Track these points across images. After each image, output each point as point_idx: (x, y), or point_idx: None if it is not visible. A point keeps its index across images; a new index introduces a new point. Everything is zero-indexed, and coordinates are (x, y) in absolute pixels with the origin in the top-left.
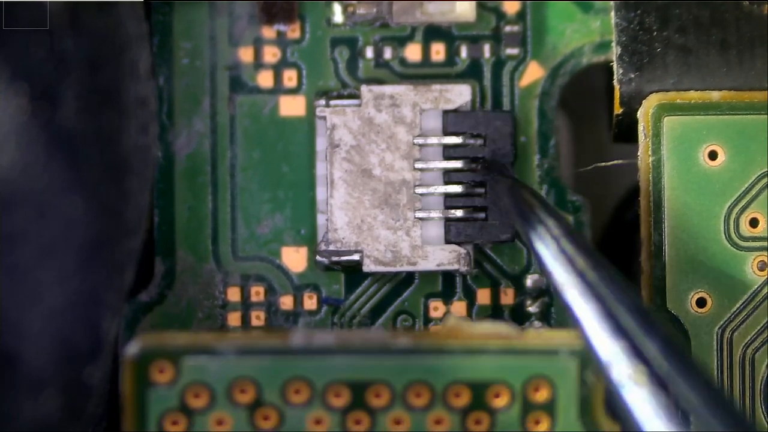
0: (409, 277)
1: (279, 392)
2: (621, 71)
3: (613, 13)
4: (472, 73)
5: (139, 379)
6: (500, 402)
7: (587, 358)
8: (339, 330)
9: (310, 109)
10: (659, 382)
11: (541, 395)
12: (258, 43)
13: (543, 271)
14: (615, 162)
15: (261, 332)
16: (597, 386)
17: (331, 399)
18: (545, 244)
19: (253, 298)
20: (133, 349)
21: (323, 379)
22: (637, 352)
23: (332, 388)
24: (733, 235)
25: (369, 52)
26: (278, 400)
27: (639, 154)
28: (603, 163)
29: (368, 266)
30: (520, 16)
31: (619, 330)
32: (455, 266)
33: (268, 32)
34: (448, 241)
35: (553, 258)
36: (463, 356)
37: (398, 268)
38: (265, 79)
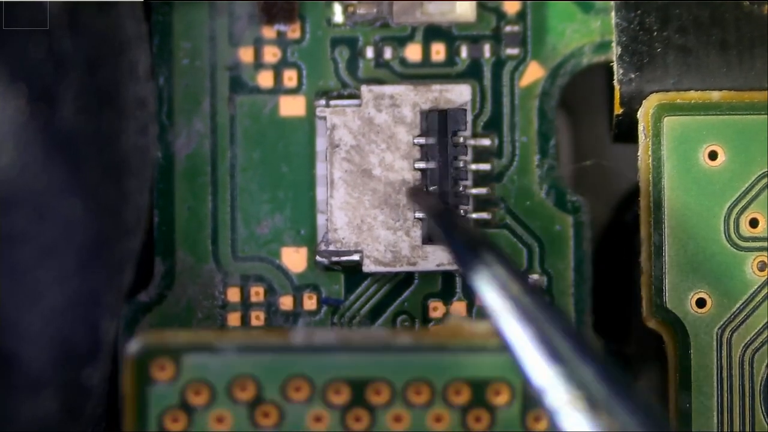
0: (409, 277)
1: (279, 390)
2: (621, 71)
3: (613, 13)
4: (472, 73)
5: (139, 376)
6: (500, 400)
7: None
8: (339, 329)
9: (310, 109)
10: (597, 408)
11: None
12: (258, 43)
13: (477, 297)
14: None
15: (261, 331)
16: None
17: (332, 396)
18: (477, 271)
19: (253, 299)
20: (134, 346)
21: (323, 377)
22: (573, 378)
23: (332, 385)
24: (733, 235)
25: (369, 52)
26: (278, 398)
27: (639, 154)
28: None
29: (368, 266)
30: (521, 16)
31: (554, 355)
32: (455, 266)
33: (269, 32)
34: (423, 241)
35: (487, 284)
36: (463, 354)
37: (398, 269)
38: (265, 79)
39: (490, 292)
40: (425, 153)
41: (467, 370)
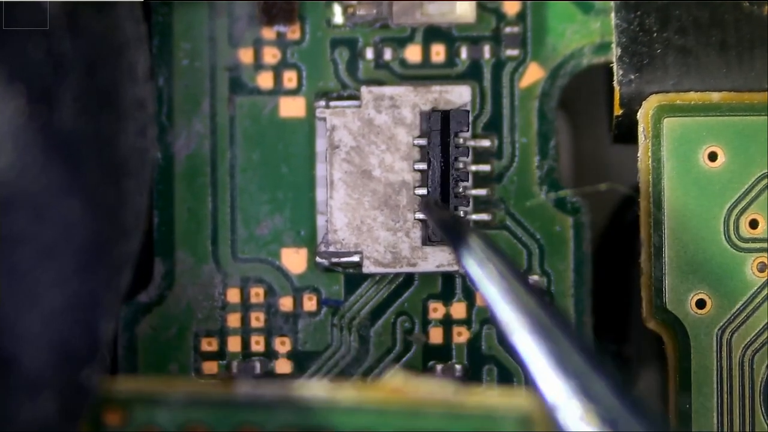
0: (409, 278)
1: None
2: (621, 72)
3: (613, 14)
4: (472, 74)
5: (93, 423)
6: None
7: (529, 422)
8: (282, 381)
9: (310, 110)
10: (609, 422)
11: None
12: (258, 44)
13: (489, 312)
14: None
15: (209, 382)
16: None
17: None
18: (492, 284)
19: (253, 300)
20: None
21: (273, 425)
22: (586, 393)
23: None
24: (732, 236)
25: (369, 53)
26: None
27: (639, 155)
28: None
29: (368, 267)
30: (520, 17)
31: (567, 370)
32: (455, 267)
33: (268, 33)
34: (423, 242)
35: (500, 298)
36: (404, 415)
37: (398, 270)
38: (264, 80)
39: (504, 307)
40: (425, 154)
41: (411, 427)
